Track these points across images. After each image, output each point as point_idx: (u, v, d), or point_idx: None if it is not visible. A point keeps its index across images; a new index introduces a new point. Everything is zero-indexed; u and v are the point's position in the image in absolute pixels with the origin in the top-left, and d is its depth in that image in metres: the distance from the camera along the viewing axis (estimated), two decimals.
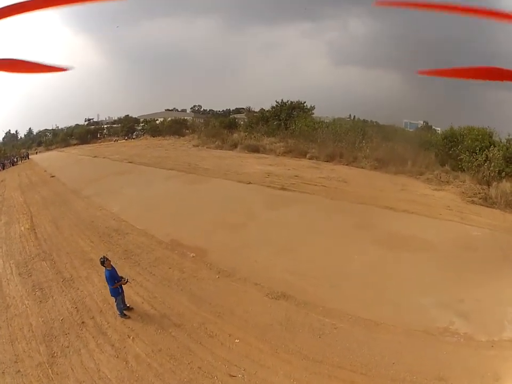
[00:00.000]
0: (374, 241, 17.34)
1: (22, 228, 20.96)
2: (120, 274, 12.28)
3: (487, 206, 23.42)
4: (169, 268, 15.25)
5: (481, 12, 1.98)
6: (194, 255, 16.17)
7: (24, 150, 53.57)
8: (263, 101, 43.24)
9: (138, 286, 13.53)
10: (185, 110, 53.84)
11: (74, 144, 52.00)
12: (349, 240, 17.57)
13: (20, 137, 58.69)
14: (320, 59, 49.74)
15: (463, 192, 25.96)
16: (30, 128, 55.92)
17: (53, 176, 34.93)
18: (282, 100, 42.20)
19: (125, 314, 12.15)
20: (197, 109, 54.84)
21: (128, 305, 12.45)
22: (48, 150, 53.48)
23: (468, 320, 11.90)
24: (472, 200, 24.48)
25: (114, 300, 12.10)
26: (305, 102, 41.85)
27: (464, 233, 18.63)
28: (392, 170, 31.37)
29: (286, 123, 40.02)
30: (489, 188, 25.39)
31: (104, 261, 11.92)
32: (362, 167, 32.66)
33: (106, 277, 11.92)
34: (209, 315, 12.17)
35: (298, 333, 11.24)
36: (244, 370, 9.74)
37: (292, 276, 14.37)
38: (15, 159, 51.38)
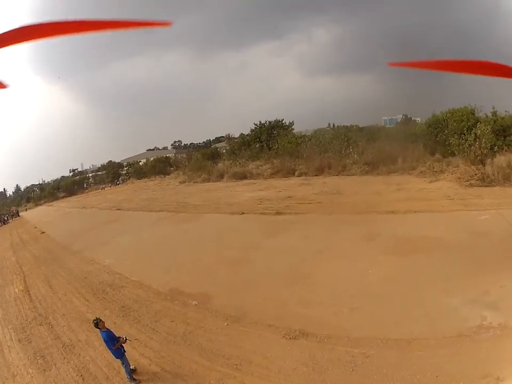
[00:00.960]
0: (385, 251, 16.68)
1: (16, 290, 20.48)
2: (120, 333, 11.60)
3: (486, 186, 23.61)
4: (172, 321, 14.20)
5: (493, 68, 1.98)
6: (196, 302, 15.13)
7: (14, 208, 53.71)
8: (242, 125, 43.81)
9: (142, 346, 12.57)
10: (166, 147, 54.67)
11: (62, 197, 52.28)
12: (358, 254, 16.81)
13: (8, 194, 59.31)
14: (291, 74, 50.48)
15: (459, 178, 26.00)
16: (17, 185, 56.54)
17: (43, 233, 34.91)
18: (260, 122, 42.28)
19: (134, 379, 11.20)
20: (177, 144, 55.84)
21: (132, 367, 11.52)
22: (37, 205, 53.78)
23: (498, 310, 11.36)
24: (470, 184, 24.54)
25: (121, 363, 11.23)
26: (283, 120, 41.83)
27: (472, 220, 18.49)
28: (384, 171, 31.34)
29: (268, 144, 40.05)
30: (484, 166, 25.37)
31: (97, 323, 11.09)
32: (353, 174, 32.51)
33: (104, 340, 11.06)
34: (226, 369, 11.00)
35: (328, 372, 10.11)
36: None
37: (307, 308, 13.35)
38: (6, 218, 51.46)
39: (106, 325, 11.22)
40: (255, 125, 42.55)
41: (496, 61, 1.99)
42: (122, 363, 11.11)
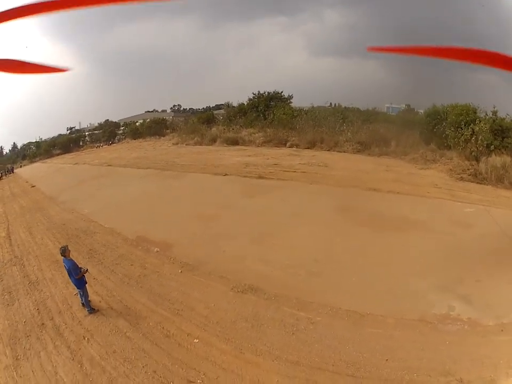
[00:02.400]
0: (358, 224, 16.75)
1: None
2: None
3: (478, 183, 22.99)
4: (131, 265, 14.66)
5: (475, 55, 1.95)
6: (158, 250, 15.52)
7: (9, 165, 53.35)
8: (244, 97, 42.78)
9: (98, 285, 13.05)
10: (166, 110, 53.42)
11: (58, 154, 51.54)
12: (330, 224, 16.94)
13: (5, 153, 58.47)
14: (298, 51, 49.24)
15: (450, 170, 25.40)
16: (14, 143, 55.61)
17: (33, 186, 34.73)
18: (259, 92, 41.84)
19: (92, 309, 11.80)
20: (176, 108, 54.41)
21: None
22: (32, 162, 53.16)
23: (470, 303, 11.17)
24: (461, 177, 23.99)
25: (81, 293, 11.84)
26: (282, 92, 41.42)
27: (457, 210, 18.26)
28: (376, 152, 30.78)
29: (264, 114, 39.56)
30: (478, 163, 24.78)
31: (64, 250, 11.65)
32: (344, 151, 32.07)
33: (69, 268, 11.54)
34: (167, 313, 11.46)
35: (267, 331, 10.24)
36: (204, 375, 8.87)
37: (265, 265, 13.58)
38: (0, 174, 51.16)
39: (75, 257, 12.02)
40: (254, 94, 42.04)
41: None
42: (82, 293, 11.67)
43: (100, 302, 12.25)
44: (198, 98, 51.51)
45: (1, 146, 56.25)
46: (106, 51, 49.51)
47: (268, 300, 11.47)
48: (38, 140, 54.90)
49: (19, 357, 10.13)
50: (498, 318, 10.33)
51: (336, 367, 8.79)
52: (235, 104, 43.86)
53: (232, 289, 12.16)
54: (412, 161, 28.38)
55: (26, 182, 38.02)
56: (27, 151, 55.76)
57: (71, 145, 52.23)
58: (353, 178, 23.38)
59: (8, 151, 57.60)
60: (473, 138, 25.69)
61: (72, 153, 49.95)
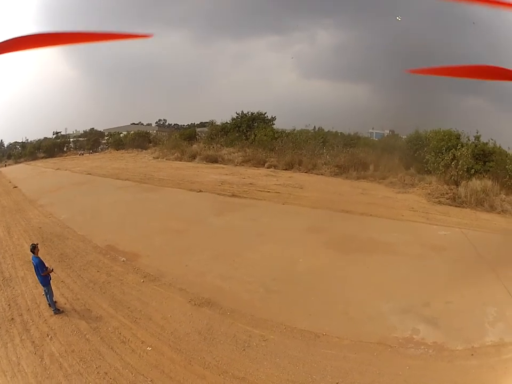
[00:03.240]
0: (325, 244, 17.01)
1: None
2: (51, 275, 12.61)
3: (456, 206, 23.44)
4: (98, 271, 15.10)
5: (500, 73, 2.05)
6: (125, 259, 16.00)
7: None
8: (229, 115, 43.29)
9: (65, 287, 13.53)
10: (151, 124, 53.88)
11: (42, 158, 51.79)
12: (296, 243, 17.20)
13: None
14: (287, 72, 49.84)
15: (429, 194, 25.79)
16: (1, 140, 55.64)
17: (15, 187, 34.96)
18: (242, 112, 42.47)
19: (57, 309, 12.26)
20: (161, 123, 54.91)
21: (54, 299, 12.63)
22: (16, 162, 53.27)
23: (436, 326, 11.15)
24: (439, 201, 24.42)
25: (46, 291, 12.30)
26: (266, 113, 42.04)
27: (430, 233, 18.54)
28: (353, 175, 31.21)
29: (246, 134, 40.15)
30: (457, 187, 25.20)
31: (34, 247, 12.23)
32: (322, 174, 32.66)
33: (36, 264, 12.09)
34: (126, 320, 11.85)
35: (218, 345, 10.48)
36: (151, 381, 9.17)
37: (224, 281, 13.93)
38: None
39: (46, 259, 12.75)
40: (237, 114, 42.67)
41: None
42: (47, 291, 12.21)
43: (65, 304, 12.70)
44: (184, 115, 52.03)
45: None
46: (99, 60, 49.87)
47: (223, 315, 11.77)
48: (24, 141, 55.00)
49: None
50: (468, 342, 10.31)
51: None
52: (219, 122, 44.45)
53: (189, 301, 12.56)
54: (390, 185, 28.75)
55: (10, 182, 38.53)
56: (13, 150, 55.81)
57: (55, 149, 52.39)
58: (327, 200, 23.77)
59: None
60: (453, 162, 26.10)
61: (55, 158, 50.14)
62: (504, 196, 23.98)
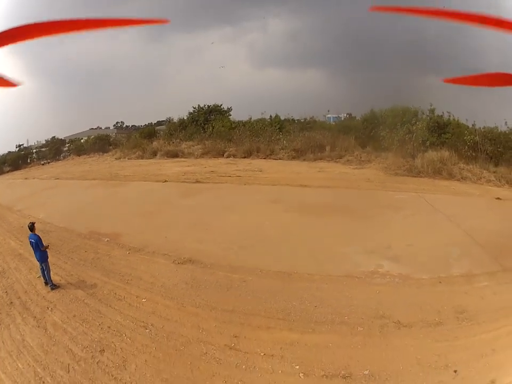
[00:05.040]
0: (286, 211, 18.48)
1: None
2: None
3: (413, 176, 24.32)
4: (85, 252, 16.01)
5: (479, 19, 1.93)
6: (108, 239, 17.02)
7: None
8: (185, 111, 43.47)
9: (57, 268, 14.23)
10: (109, 127, 53.80)
11: (8, 171, 51.49)
12: (260, 212, 18.72)
13: None
14: (241, 63, 49.97)
15: (385, 167, 26.67)
16: None
17: None
18: (199, 105, 42.84)
19: (54, 285, 13.10)
20: (119, 125, 54.80)
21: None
22: None
23: (399, 262, 12.54)
24: (396, 173, 25.35)
25: (43, 267, 13.13)
26: (221, 105, 42.52)
27: (387, 197, 19.72)
28: (311, 157, 32.14)
29: (204, 127, 40.61)
30: (414, 160, 26.01)
31: (33, 225, 13.20)
32: (280, 158, 33.62)
33: (35, 241, 12.88)
34: (119, 283, 13.01)
35: (204, 289, 11.95)
36: (152, 325, 10.38)
37: (201, 244, 15.26)
38: None
39: (32, 252, 13.48)
40: (194, 108, 42.93)
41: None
42: (45, 268, 13.06)
43: (60, 280, 13.57)
44: (141, 115, 51.95)
45: None
46: (53, 66, 49.47)
47: (204, 268, 13.31)
48: None
49: None
50: (433, 272, 11.64)
51: (267, 313, 10.36)
52: (176, 119, 44.66)
53: (173, 262, 14.00)
54: (347, 163, 29.70)
55: None
56: None
57: (20, 162, 52.16)
58: (285, 179, 25.02)
59: None
60: (408, 136, 27.10)
61: (21, 170, 49.78)
62: (463, 165, 24.88)
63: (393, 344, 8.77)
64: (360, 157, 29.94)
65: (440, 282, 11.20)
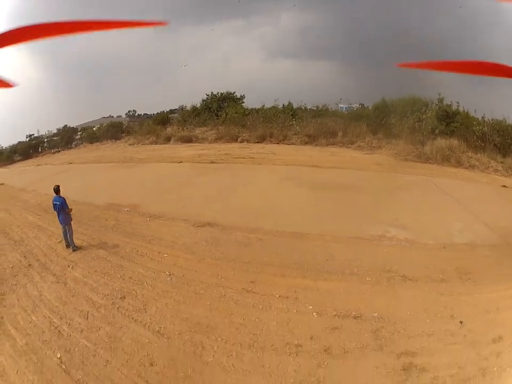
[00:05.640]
0: (298, 186, 19.17)
1: None
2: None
3: (422, 162, 24.63)
4: (106, 220, 16.63)
5: (492, 69, 1.94)
6: (128, 209, 17.69)
7: None
8: (198, 100, 43.70)
9: (79, 234, 14.61)
10: (121, 116, 53.80)
11: (19, 160, 51.40)
12: (275, 188, 19.46)
13: None
14: (252, 55, 50.17)
15: (395, 153, 27.01)
16: None
17: (1, 184, 34.89)
18: (212, 93, 43.06)
19: (76, 246, 13.70)
20: (131, 114, 54.78)
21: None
22: None
23: (406, 229, 13.22)
24: (406, 159, 25.66)
25: (66, 229, 13.74)
26: (234, 92, 42.76)
27: (397, 179, 20.20)
28: (323, 143, 32.43)
29: (217, 113, 40.84)
30: (423, 146, 26.33)
31: (58, 188, 13.90)
32: (292, 143, 33.89)
33: (60, 203, 13.59)
34: (141, 242, 13.68)
35: (223, 246, 12.73)
36: (172, 274, 11.14)
37: (219, 213, 15.89)
38: None
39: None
40: (207, 95, 43.21)
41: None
42: (68, 230, 13.62)
43: (82, 243, 14.18)
44: (153, 104, 52.01)
45: None
46: (64, 58, 49.60)
47: (223, 230, 14.05)
48: None
49: (4, 293, 11.42)
50: (438, 240, 12.28)
51: (282, 264, 11.20)
52: (189, 107, 44.73)
53: (193, 225, 14.72)
54: (358, 148, 30.03)
55: None
56: None
57: (31, 151, 52.07)
58: (298, 160, 25.52)
59: None
60: (418, 124, 27.34)
61: (32, 159, 49.59)
62: (471, 153, 25.09)
63: (400, 294, 9.41)
64: (371, 143, 30.27)
65: (444, 248, 11.81)
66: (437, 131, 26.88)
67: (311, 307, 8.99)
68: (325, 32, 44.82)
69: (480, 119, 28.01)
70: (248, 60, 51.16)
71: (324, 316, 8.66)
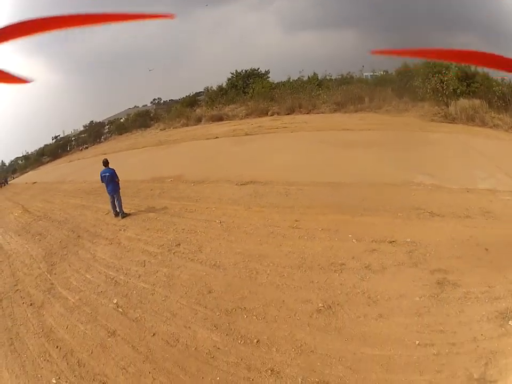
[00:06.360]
0: (331, 146, 19.87)
1: (16, 214, 22.10)
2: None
3: (449, 122, 24.92)
4: (151, 190, 17.80)
5: (480, 58, 1.81)
6: (172, 179, 18.74)
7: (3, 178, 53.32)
8: (222, 80, 44.04)
9: (125, 204, 15.36)
10: (146, 105, 54.21)
11: (48, 162, 51.97)
12: (309, 149, 20.19)
13: None
14: (271, 30, 50.29)
15: (422, 115, 27.32)
16: (1, 161, 55.70)
17: (34, 183, 35.65)
18: (236, 71, 43.38)
19: (126, 213, 14.80)
20: (157, 101, 55.16)
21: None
22: (23, 173, 53.52)
23: (431, 176, 13.79)
24: (432, 119, 26.02)
25: (115, 198, 14.73)
26: (259, 68, 43.04)
27: (423, 136, 20.76)
28: (351, 109, 32.75)
29: (244, 90, 41.26)
30: (448, 107, 26.64)
31: (107, 160, 14.74)
32: (322, 112, 34.17)
33: (110, 174, 14.45)
34: (188, 202, 14.76)
35: (266, 197, 13.75)
36: (223, 222, 12.23)
37: (258, 172, 16.86)
38: None
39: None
40: (232, 73, 43.48)
41: None
42: (117, 198, 14.57)
43: (130, 210, 15.23)
44: (177, 89, 52.38)
45: None
46: (79, 56, 49.96)
47: (264, 185, 15.08)
48: (24, 154, 55.01)
49: (54, 263, 12.27)
50: (462, 185, 12.83)
51: (322, 205, 12.34)
52: (215, 88, 45.00)
53: (236, 184, 15.75)
54: (385, 112, 30.25)
55: (26, 183, 39.17)
56: (15, 166, 55.87)
57: (59, 151, 52.53)
58: (329, 126, 26.42)
59: None
60: (439, 85, 27.34)
61: (62, 158, 50.14)
62: (494, 113, 24.94)
63: (429, 225, 10.17)
64: (398, 106, 30.40)
65: (467, 191, 12.38)
66: (458, 91, 26.97)
67: (350, 235, 9.98)
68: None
69: (499, 80, 28.15)
70: (268, 35, 51.27)
71: (362, 241, 9.60)
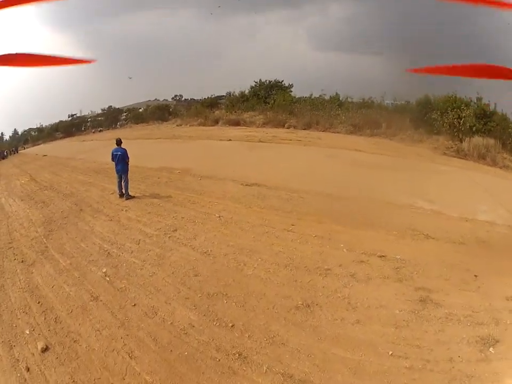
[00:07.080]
0: (338, 164, 19.99)
1: (22, 181, 22.26)
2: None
3: (460, 158, 24.94)
4: (158, 178, 17.92)
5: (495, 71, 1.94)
6: (180, 171, 18.85)
7: (13, 147, 53.31)
8: (245, 87, 44.04)
9: (131, 188, 15.46)
10: (167, 99, 54.17)
11: (60, 138, 51.87)
12: (318, 162, 20.38)
13: (5, 139, 57.89)
14: (301, 44, 50.21)
15: (435, 148, 27.22)
16: (15, 129, 55.75)
17: (45, 155, 35.52)
18: (260, 80, 43.47)
19: (131, 196, 14.89)
20: (178, 98, 55.08)
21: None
22: (34, 145, 53.46)
23: (432, 203, 13.82)
24: (444, 153, 26.00)
25: (123, 178, 14.81)
26: (283, 81, 43.13)
27: (433, 167, 20.89)
28: (367, 133, 32.48)
29: (265, 100, 41.32)
30: (462, 143, 26.64)
31: (120, 140, 15.07)
32: (338, 132, 33.92)
33: (121, 153, 14.65)
34: (192, 194, 14.87)
35: (269, 199, 13.91)
36: (221, 216, 12.37)
37: (265, 176, 16.84)
38: (5, 153, 51.10)
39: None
40: (255, 82, 43.68)
41: None
42: (124, 179, 14.68)
43: (135, 193, 15.34)
44: (199, 89, 52.46)
45: (1, 132, 56.06)
46: (110, 40, 50.17)
47: (268, 189, 15.11)
48: (39, 126, 55.15)
49: (52, 230, 12.58)
50: (462, 214, 12.88)
51: (319, 214, 12.51)
52: (237, 93, 45.02)
53: (241, 184, 15.83)
54: (400, 140, 29.66)
55: (36, 154, 39.41)
56: (28, 136, 56.02)
57: (73, 129, 52.57)
58: (342, 144, 26.60)
59: (8, 138, 57.11)
60: (456, 120, 27.24)
61: (75, 137, 50.16)
62: (506, 155, 24.99)
63: (421, 246, 10.28)
64: (413, 137, 30.22)
65: (466, 220, 12.41)
66: (474, 129, 27.00)
67: (342, 245, 10.10)
68: (374, 26, 44.90)
69: None
70: (297, 49, 51.31)
71: (352, 252, 9.72)
